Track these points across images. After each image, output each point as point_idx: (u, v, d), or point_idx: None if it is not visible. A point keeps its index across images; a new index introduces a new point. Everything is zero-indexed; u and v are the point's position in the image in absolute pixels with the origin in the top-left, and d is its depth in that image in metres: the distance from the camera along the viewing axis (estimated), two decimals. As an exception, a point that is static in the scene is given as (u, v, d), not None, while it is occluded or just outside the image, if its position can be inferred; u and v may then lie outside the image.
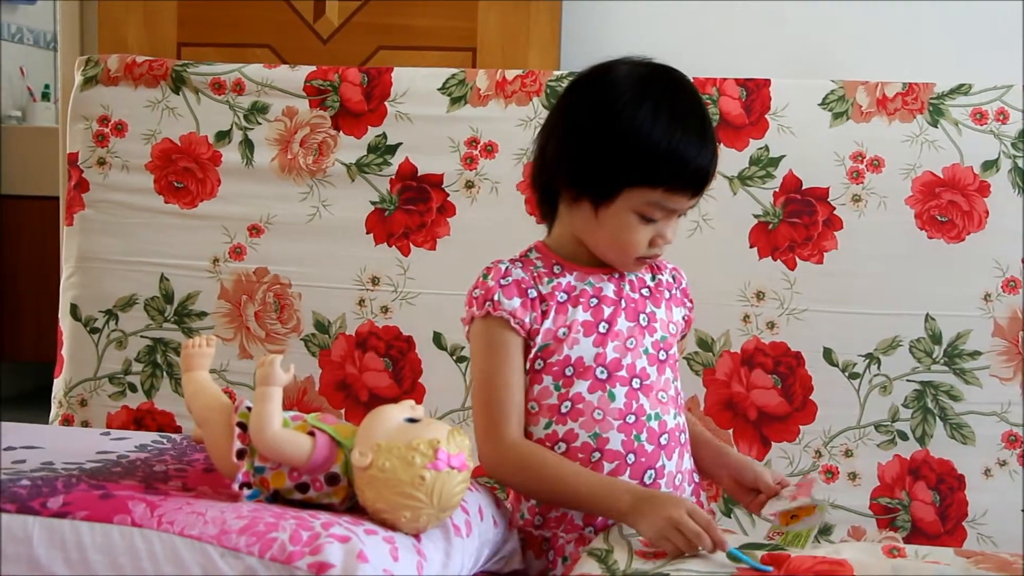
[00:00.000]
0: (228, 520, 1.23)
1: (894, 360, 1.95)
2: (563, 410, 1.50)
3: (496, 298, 1.50)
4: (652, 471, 1.50)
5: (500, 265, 1.54)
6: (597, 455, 1.49)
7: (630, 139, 1.46)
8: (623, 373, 1.51)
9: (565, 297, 1.52)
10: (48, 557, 1.21)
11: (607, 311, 1.53)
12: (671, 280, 1.62)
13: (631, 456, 1.50)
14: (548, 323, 1.51)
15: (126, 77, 2.08)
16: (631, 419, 1.50)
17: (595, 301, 1.53)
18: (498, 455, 1.50)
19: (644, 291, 1.57)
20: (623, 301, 1.54)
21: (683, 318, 1.62)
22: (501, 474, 1.52)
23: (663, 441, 1.52)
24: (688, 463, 1.57)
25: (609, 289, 1.54)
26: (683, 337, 1.65)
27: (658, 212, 1.48)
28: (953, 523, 1.94)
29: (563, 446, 1.50)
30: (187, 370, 1.44)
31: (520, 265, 1.55)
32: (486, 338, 1.51)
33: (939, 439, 1.95)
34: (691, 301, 1.65)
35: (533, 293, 1.52)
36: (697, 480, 1.59)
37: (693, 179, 1.47)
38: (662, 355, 1.55)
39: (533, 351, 1.51)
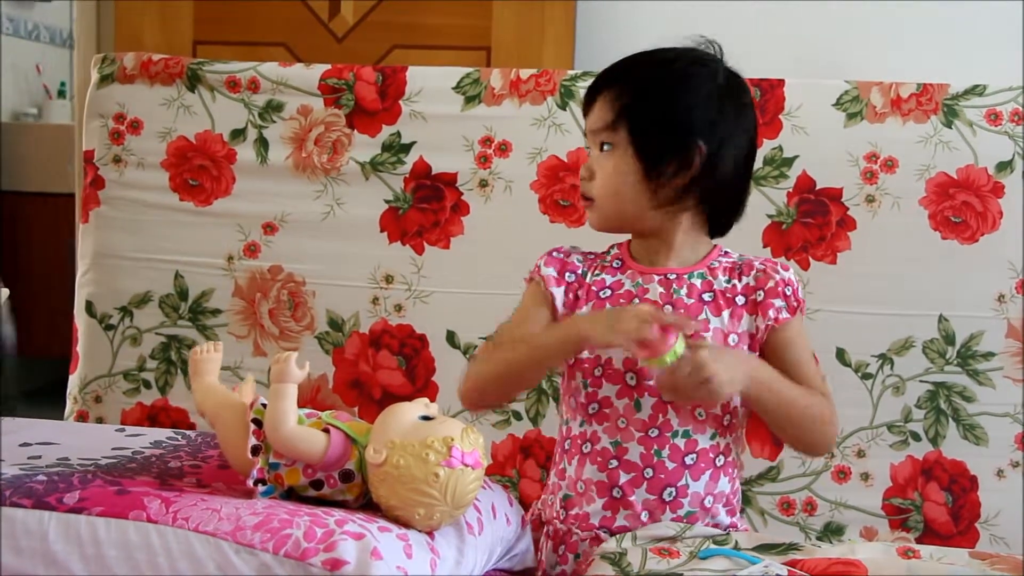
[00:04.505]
0: (243, 516, 1.24)
1: (907, 361, 1.94)
2: (590, 411, 1.51)
3: (539, 264, 1.57)
4: (672, 488, 1.48)
5: (561, 246, 1.60)
6: (615, 463, 1.49)
7: None
8: (653, 383, 1.47)
9: (609, 294, 1.52)
10: (64, 552, 1.22)
11: None
12: (751, 284, 1.52)
13: (649, 470, 1.48)
14: (583, 313, 1.52)
15: (142, 75, 2.09)
16: (654, 432, 1.48)
17: (636, 302, 1.50)
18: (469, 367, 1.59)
19: (706, 295, 1.51)
20: (668, 306, 1.49)
21: (755, 327, 1.50)
22: (466, 376, 1.57)
23: (689, 460, 1.48)
24: (727, 486, 1.52)
25: (655, 292, 1.51)
26: (761, 341, 1.52)
27: (586, 139, 1.56)
28: (966, 524, 1.94)
29: (588, 447, 1.51)
30: (195, 376, 1.45)
31: (583, 253, 1.59)
32: (524, 297, 1.59)
33: (952, 440, 1.94)
34: (782, 298, 1.50)
35: (571, 277, 1.55)
36: (735, 503, 1.55)
37: (587, 92, 1.54)
38: None
39: None
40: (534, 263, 1.59)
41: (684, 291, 1.51)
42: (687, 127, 1.47)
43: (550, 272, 1.55)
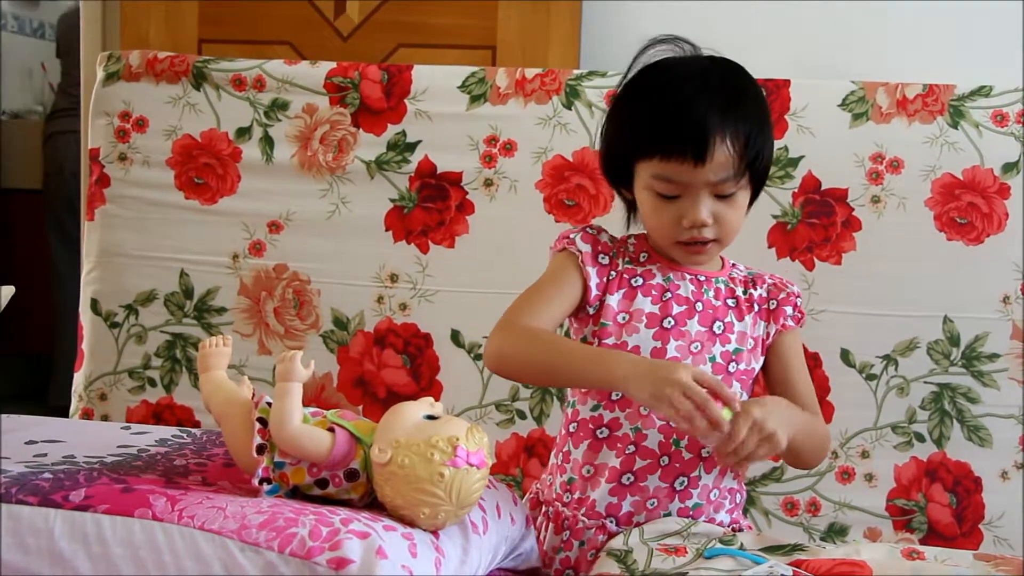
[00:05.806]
0: (248, 515, 1.24)
1: (912, 362, 1.95)
2: (613, 397, 1.50)
3: (573, 238, 1.54)
4: (685, 478, 1.50)
5: (591, 224, 1.59)
6: (632, 448, 1.49)
7: (627, 106, 1.50)
8: (710, 452, 1.47)
9: (640, 282, 1.52)
10: (70, 550, 1.22)
11: (676, 309, 1.51)
12: (764, 295, 1.57)
13: (665, 459, 1.49)
14: (614, 300, 1.51)
15: (147, 73, 2.09)
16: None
17: (668, 296, 1.51)
18: (502, 329, 1.48)
19: (730, 300, 1.55)
20: (699, 304, 1.52)
21: (767, 332, 1.56)
22: (500, 344, 1.48)
23: (704, 453, 1.50)
24: (732, 481, 1.54)
25: (687, 289, 1.52)
26: (768, 344, 1.56)
27: (669, 186, 1.44)
28: (969, 525, 1.94)
29: (605, 431, 1.51)
30: (204, 370, 1.45)
31: (612, 238, 1.56)
32: (552, 265, 1.56)
33: (956, 441, 1.94)
34: (792, 307, 1.56)
35: (604, 260, 1.53)
36: (739, 501, 1.57)
37: (681, 139, 1.40)
38: (732, 367, 1.52)
39: (595, 326, 1.51)
40: (559, 236, 1.56)
41: (712, 293, 1.54)
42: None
43: (587, 248, 1.53)
